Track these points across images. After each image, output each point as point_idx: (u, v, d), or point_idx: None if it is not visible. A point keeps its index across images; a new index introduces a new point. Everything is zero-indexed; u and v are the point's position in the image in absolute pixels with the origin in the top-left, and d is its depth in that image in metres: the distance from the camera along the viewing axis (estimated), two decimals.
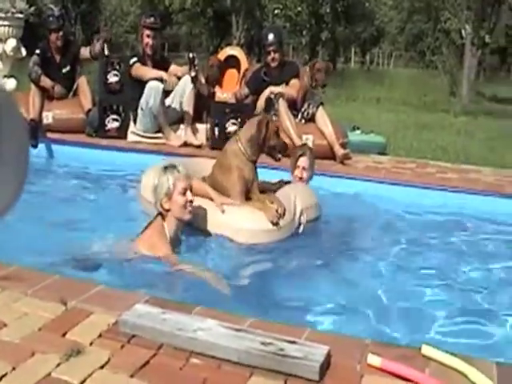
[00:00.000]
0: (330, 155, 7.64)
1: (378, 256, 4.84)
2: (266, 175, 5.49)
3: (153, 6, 41.56)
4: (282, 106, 7.92)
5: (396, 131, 11.38)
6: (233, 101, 8.58)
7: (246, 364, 2.71)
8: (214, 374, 2.65)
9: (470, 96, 20.66)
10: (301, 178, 5.58)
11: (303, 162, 5.62)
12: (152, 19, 8.39)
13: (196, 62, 8.14)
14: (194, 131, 8.29)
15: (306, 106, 8.22)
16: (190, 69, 8.11)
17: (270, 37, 8.28)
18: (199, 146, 8.05)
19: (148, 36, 8.29)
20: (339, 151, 7.62)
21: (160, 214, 4.34)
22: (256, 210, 4.73)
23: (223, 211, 4.66)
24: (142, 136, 8.26)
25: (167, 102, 8.27)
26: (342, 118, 10.59)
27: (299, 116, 8.19)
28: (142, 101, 8.03)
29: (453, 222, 5.99)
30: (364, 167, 7.30)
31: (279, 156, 5.13)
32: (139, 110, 8.15)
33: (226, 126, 8.07)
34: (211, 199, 4.76)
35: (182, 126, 8.33)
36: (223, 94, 8.98)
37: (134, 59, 8.27)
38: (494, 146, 10.64)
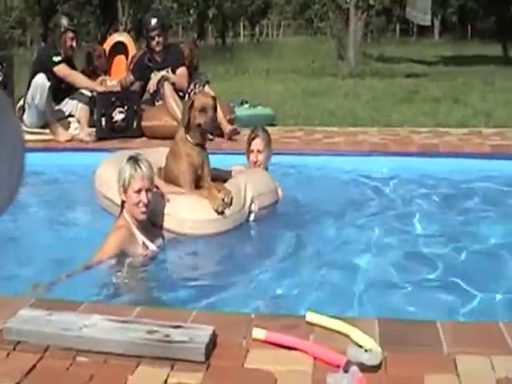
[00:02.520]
0: (219, 133, 7.65)
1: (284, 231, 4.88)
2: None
3: None
4: (167, 89, 7.91)
5: (284, 101, 11.47)
6: (118, 89, 8.48)
7: (132, 355, 2.71)
8: (101, 370, 2.64)
9: (357, 58, 20.98)
10: (256, 162, 5.33)
11: (257, 144, 5.35)
12: (70, 21, 8.30)
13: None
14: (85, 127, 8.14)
15: (192, 85, 8.21)
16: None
17: (153, 21, 8.25)
18: (88, 141, 7.90)
19: (72, 39, 8.18)
20: (227, 128, 7.67)
21: (122, 202, 4.24)
22: (201, 199, 4.58)
23: (168, 200, 4.55)
24: (28, 132, 8.07)
25: (59, 106, 8.17)
26: (231, 93, 10.64)
27: (186, 97, 8.17)
28: (28, 96, 7.87)
29: (343, 183, 6.12)
30: None
31: (209, 136, 4.87)
32: (26, 105, 7.99)
33: (113, 115, 7.98)
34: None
35: (71, 119, 8.21)
36: (111, 82, 8.88)
37: (59, 58, 8.07)
38: (380, 106, 10.87)
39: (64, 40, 8.17)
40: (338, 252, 4.42)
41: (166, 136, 7.63)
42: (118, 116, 7.96)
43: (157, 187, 4.55)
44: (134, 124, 7.99)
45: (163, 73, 8.13)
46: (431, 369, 2.60)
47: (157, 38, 8.21)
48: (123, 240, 4.09)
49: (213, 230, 4.53)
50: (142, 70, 8.39)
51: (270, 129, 8.33)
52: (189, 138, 4.79)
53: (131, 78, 8.50)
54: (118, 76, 9.04)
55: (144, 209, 4.14)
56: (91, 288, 3.81)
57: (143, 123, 7.99)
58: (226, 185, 4.77)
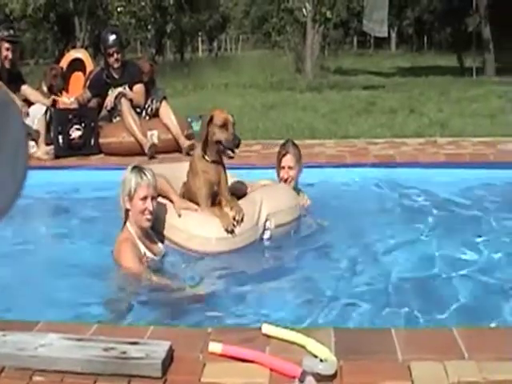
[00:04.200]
0: (177, 148, 7.69)
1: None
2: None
3: None
4: (124, 105, 7.89)
5: (243, 114, 11.45)
6: (76, 106, 8.42)
7: (89, 373, 2.70)
8: None
9: (314, 71, 21.13)
10: (286, 179, 5.23)
11: (287, 161, 5.25)
12: (11, 32, 8.20)
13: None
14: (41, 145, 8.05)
15: (149, 101, 8.21)
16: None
17: (111, 38, 8.21)
18: (46, 159, 7.81)
19: (7, 49, 8.09)
20: (185, 143, 7.68)
21: (125, 213, 4.34)
22: (213, 217, 4.52)
23: (179, 215, 4.54)
24: None
25: None
26: (189, 109, 10.64)
27: (143, 113, 8.17)
28: None
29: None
30: None
31: (230, 153, 4.63)
32: None
33: (70, 132, 7.91)
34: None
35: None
36: (70, 99, 8.82)
37: None
38: (338, 118, 10.95)
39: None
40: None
41: (124, 153, 7.66)
42: (75, 133, 7.91)
43: (171, 201, 4.62)
44: (92, 141, 7.94)
45: (120, 89, 8.12)
46: (386, 376, 2.63)
47: (115, 55, 8.19)
48: (134, 253, 4.17)
49: (222, 248, 4.47)
50: (99, 87, 8.35)
51: None
52: (205, 156, 4.68)
53: (88, 94, 8.45)
54: (75, 93, 9.00)
55: (149, 216, 4.25)
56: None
57: (101, 140, 7.95)
58: (242, 201, 4.69)
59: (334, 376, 2.62)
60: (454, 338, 2.89)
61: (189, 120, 8.60)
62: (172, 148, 7.66)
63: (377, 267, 4.36)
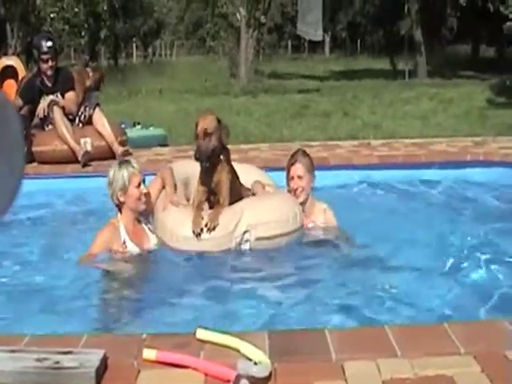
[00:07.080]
0: (111, 155, 7.63)
1: None
2: None
3: None
4: (56, 113, 7.78)
5: (177, 120, 11.46)
6: None
7: None
8: None
9: (249, 76, 21.22)
10: (296, 190, 4.86)
11: (296, 170, 4.88)
12: None
13: None
14: None
15: (82, 109, 8.13)
16: None
17: (45, 45, 8.06)
18: None
19: None
20: (118, 149, 7.64)
21: (117, 207, 4.57)
22: (188, 216, 4.58)
23: (163, 209, 4.70)
24: None
25: None
26: (124, 115, 10.58)
27: (76, 120, 8.08)
28: None
29: None
30: (145, 161, 7.33)
31: (203, 163, 4.57)
32: None
33: None
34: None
35: None
36: None
37: None
38: (272, 122, 11.03)
39: None
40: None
41: (57, 161, 7.58)
42: None
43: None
44: (24, 149, 7.81)
45: (52, 97, 8.01)
46: (320, 376, 2.67)
47: (50, 62, 8.04)
48: (108, 236, 4.47)
49: (188, 247, 4.55)
50: (31, 94, 8.20)
51: (162, 149, 8.41)
52: None
53: (20, 102, 8.28)
54: None
55: (144, 199, 4.56)
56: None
57: (33, 148, 7.83)
58: (226, 208, 4.58)
59: (268, 378, 2.64)
60: (387, 336, 2.95)
61: (122, 126, 8.55)
62: (106, 155, 7.59)
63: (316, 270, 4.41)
